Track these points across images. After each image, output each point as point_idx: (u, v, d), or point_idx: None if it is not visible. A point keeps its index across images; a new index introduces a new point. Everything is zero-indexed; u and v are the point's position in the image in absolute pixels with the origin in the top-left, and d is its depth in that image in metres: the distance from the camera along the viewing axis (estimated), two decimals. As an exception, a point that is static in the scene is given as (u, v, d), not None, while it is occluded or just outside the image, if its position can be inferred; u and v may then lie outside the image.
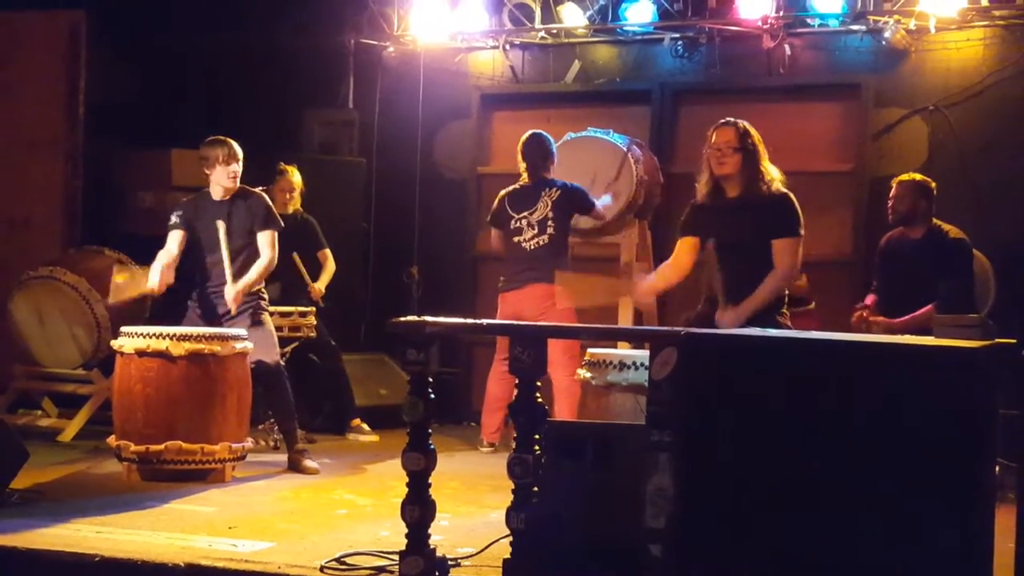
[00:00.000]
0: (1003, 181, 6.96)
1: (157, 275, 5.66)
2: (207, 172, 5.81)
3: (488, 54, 8.25)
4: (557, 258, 6.35)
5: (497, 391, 6.47)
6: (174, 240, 5.81)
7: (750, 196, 4.86)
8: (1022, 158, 6.95)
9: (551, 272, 6.30)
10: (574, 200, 6.42)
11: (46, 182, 7.85)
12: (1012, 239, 6.76)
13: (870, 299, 5.98)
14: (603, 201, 6.58)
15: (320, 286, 6.98)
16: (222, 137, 5.83)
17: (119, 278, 5.91)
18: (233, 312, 5.71)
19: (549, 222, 6.37)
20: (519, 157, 6.53)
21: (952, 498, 2.85)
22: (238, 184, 5.82)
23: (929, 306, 5.64)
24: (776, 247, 4.82)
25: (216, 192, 5.83)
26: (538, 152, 6.48)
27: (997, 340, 3.32)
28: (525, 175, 6.51)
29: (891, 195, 5.97)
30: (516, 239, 6.45)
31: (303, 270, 6.96)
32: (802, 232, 4.90)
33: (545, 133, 6.58)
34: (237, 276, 5.74)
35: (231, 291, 5.67)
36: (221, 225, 5.74)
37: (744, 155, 4.85)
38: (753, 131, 4.92)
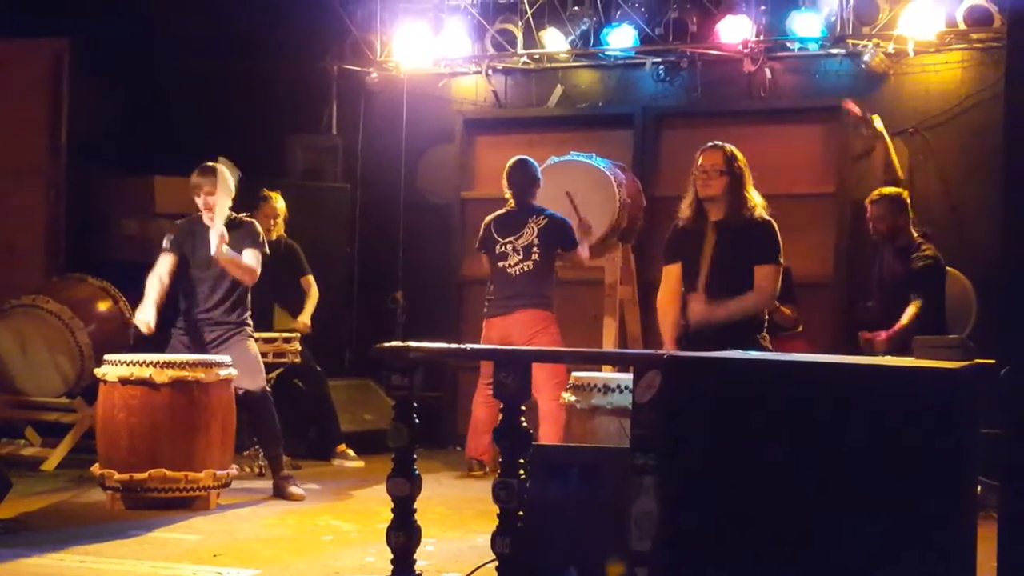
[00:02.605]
0: (982, 202, 6.99)
1: (151, 313, 5.55)
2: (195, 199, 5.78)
3: (471, 79, 8.28)
4: (542, 284, 6.37)
5: (482, 415, 6.46)
6: (164, 264, 5.72)
7: (733, 220, 4.90)
8: (1000, 179, 6.99)
9: (538, 297, 6.33)
10: (560, 232, 6.40)
11: (29, 210, 7.83)
12: (992, 259, 6.76)
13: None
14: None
15: (305, 318, 6.97)
16: (211, 165, 5.74)
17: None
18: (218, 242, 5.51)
19: (535, 248, 6.38)
20: (504, 183, 6.54)
21: (934, 517, 2.86)
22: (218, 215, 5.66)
23: (898, 325, 5.67)
24: (759, 273, 4.87)
25: (207, 217, 5.76)
26: (524, 178, 6.49)
27: (977, 360, 3.35)
28: (511, 200, 6.53)
29: (868, 215, 6.03)
30: (501, 264, 6.45)
31: (287, 314, 6.97)
32: (782, 260, 4.94)
33: (530, 159, 6.60)
34: (222, 302, 5.72)
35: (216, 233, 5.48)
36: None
37: (730, 178, 4.89)
38: (740, 156, 4.96)
